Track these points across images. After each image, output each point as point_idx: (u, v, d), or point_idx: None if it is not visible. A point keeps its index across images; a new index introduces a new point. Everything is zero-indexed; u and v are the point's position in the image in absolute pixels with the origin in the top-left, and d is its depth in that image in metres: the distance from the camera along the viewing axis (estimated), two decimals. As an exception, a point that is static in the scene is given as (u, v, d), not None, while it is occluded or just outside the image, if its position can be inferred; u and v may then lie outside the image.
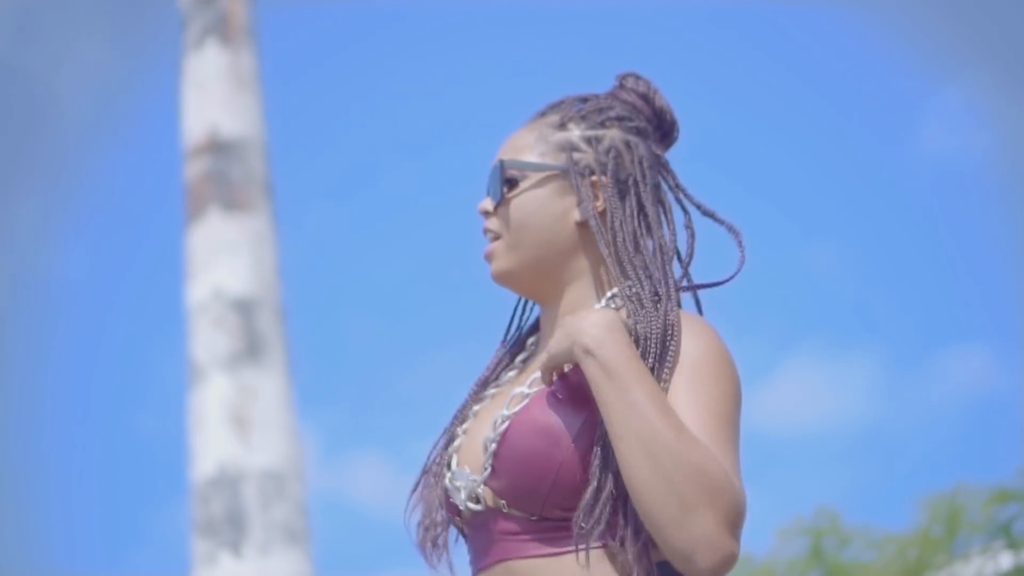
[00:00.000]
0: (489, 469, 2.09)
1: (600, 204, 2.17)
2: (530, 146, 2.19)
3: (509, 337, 2.28)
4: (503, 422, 2.10)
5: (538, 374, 2.14)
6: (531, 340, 2.27)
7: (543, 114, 2.24)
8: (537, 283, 2.19)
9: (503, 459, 2.08)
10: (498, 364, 2.26)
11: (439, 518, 2.19)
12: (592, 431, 2.04)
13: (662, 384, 2.05)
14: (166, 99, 12.58)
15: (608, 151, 2.18)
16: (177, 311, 11.26)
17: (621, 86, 2.25)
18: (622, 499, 2.04)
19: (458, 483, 2.14)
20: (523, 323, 2.29)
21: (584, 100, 2.23)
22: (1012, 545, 9.90)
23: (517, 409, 2.11)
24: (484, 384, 2.25)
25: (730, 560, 1.96)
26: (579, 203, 2.16)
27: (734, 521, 1.97)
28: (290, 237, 11.99)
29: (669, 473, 1.95)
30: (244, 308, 10.98)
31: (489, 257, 2.20)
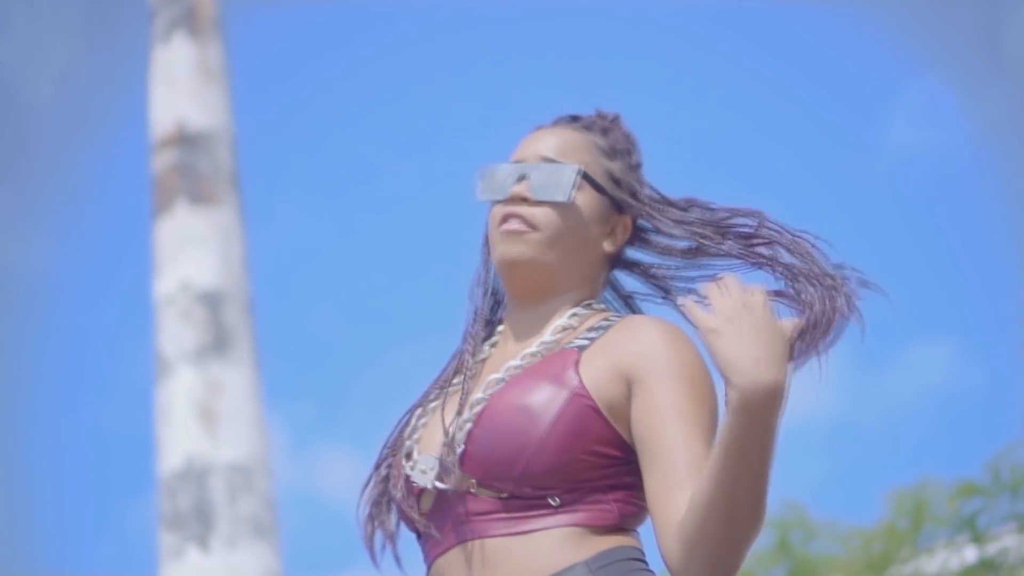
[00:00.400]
0: (463, 447, 2.10)
1: (618, 243, 2.28)
2: (587, 163, 2.25)
3: (472, 331, 2.29)
4: (479, 403, 2.13)
5: (513, 361, 2.15)
6: (489, 343, 2.27)
7: (587, 127, 2.30)
8: (541, 283, 2.22)
9: (478, 437, 2.10)
10: (456, 363, 2.28)
11: (387, 511, 2.20)
12: (569, 412, 2.07)
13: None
14: (133, 91, 12.54)
15: (635, 196, 2.28)
16: (144, 304, 11.24)
17: (617, 121, 2.33)
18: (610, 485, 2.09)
19: (424, 467, 2.14)
20: (493, 317, 2.30)
21: (621, 133, 2.31)
22: (977, 539, 9.96)
23: (494, 390, 2.13)
24: (443, 383, 2.26)
25: None
26: (609, 234, 2.27)
27: None
28: (258, 230, 11.97)
29: (734, 540, 1.99)
30: (211, 301, 10.97)
31: (515, 238, 2.20)
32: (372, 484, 2.20)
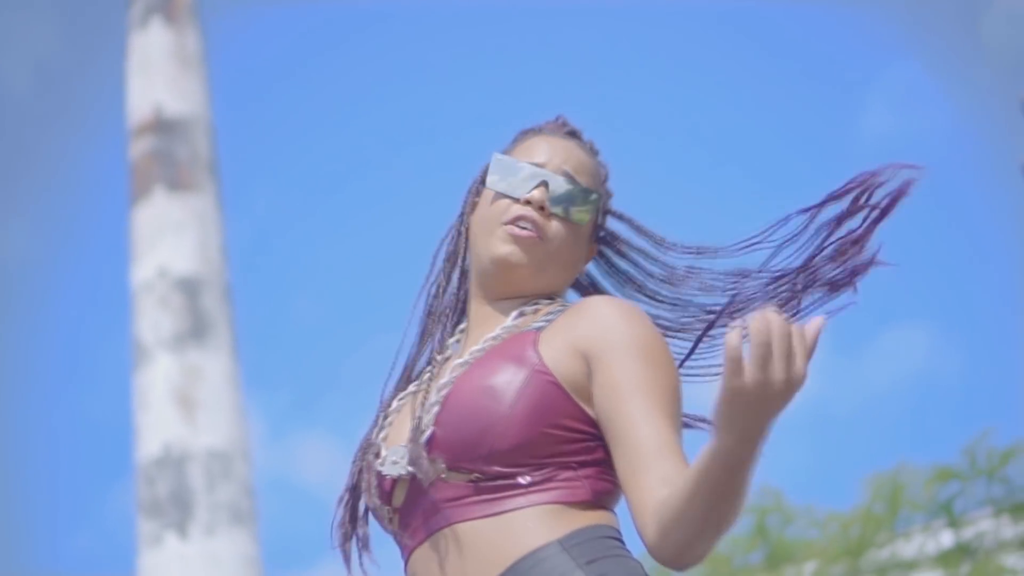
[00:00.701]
0: (431, 430, 2.11)
1: (587, 262, 2.34)
2: (593, 186, 2.30)
3: (440, 309, 2.31)
4: (445, 387, 2.14)
5: (475, 346, 2.18)
6: (453, 340, 2.29)
7: (592, 151, 2.34)
8: (524, 288, 2.25)
9: (445, 420, 2.11)
10: (417, 362, 2.29)
11: (362, 517, 2.21)
12: (531, 389, 2.09)
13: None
14: (110, 78, 12.51)
15: (613, 231, 2.35)
16: (122, 291, 11.22)
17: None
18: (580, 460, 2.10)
19: (393, 458, 2.15)
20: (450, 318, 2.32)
21: (602, 161, 2.36)
22: (953, 523, 10.00)
23: (459, 373, 2.15)
24: (406, 381, 2.28)
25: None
26: (587, 258, 2.33)
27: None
28: (236, 217, 11.97)
29: (712, 529, 2.00)
30: (189, 288, 10.95)
31: (523, 243, 2.22)
32: (345, 491, 2.22)
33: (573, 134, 2.34)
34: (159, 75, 11.77)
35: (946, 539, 10.02)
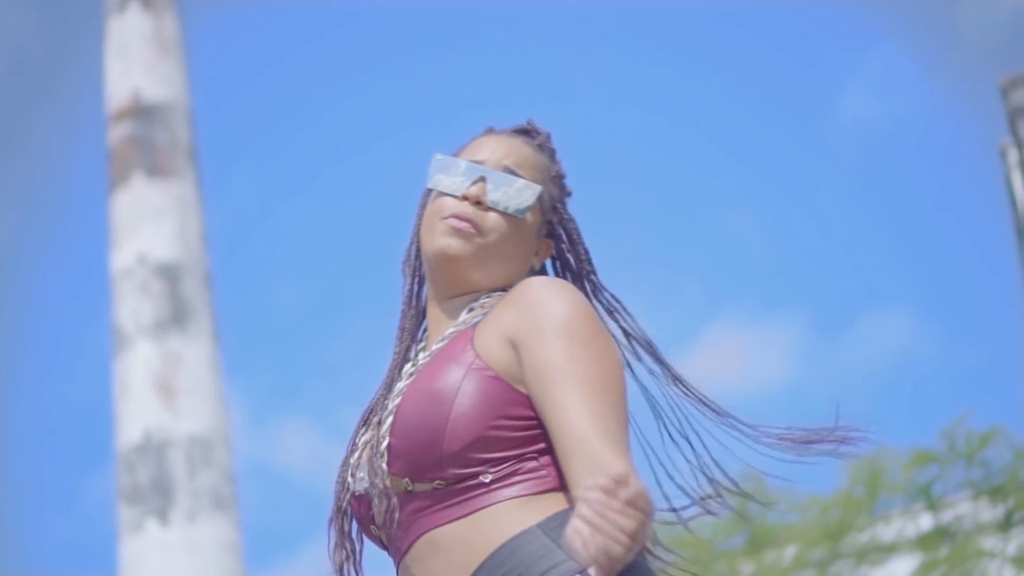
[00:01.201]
0: (386, 441, 2.13)
1: (541, 260, 2.32)
2: (539, 181, 2.30)
3: (401, 325, 2.31)
4: (396, 398, 2.16)
5: (423, 354, 2.20)
6: (420, 346, 2.29)
7: (540, 147, 2.33)
8: (469, 282, 2.25)
9: (397, 430, 2.13)
10: (394, 374, 2.28)
11: (350, 536, 2.22)
12: (470, 386, 2.09)
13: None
14: (88, 63, 12.46)
15: (563, 223, 2.33)
16: (101, 277, 11.19)
17: (551, 141, 2.36)
18: (535, 452, 2.10)
19: (360, 474, 2.18)
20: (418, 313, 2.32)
21: (559, 158, 2.35)
22: (932, 506, 10.05)
23: (407, 384, 2.17)
24: (384, 394, 2.27)
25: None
26: (536, 252, 2.31)
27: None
28: (216, 203, 11.94)
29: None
30: (169, 274, 10.93)
31: (459, 235, 2.22)
32: (333, 513, 2.23)
33: (523, 132, 2.34)
34: (137, 60, 11.73)
35: (925, 522, 10.07)
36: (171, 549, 10.08)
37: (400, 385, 2.18)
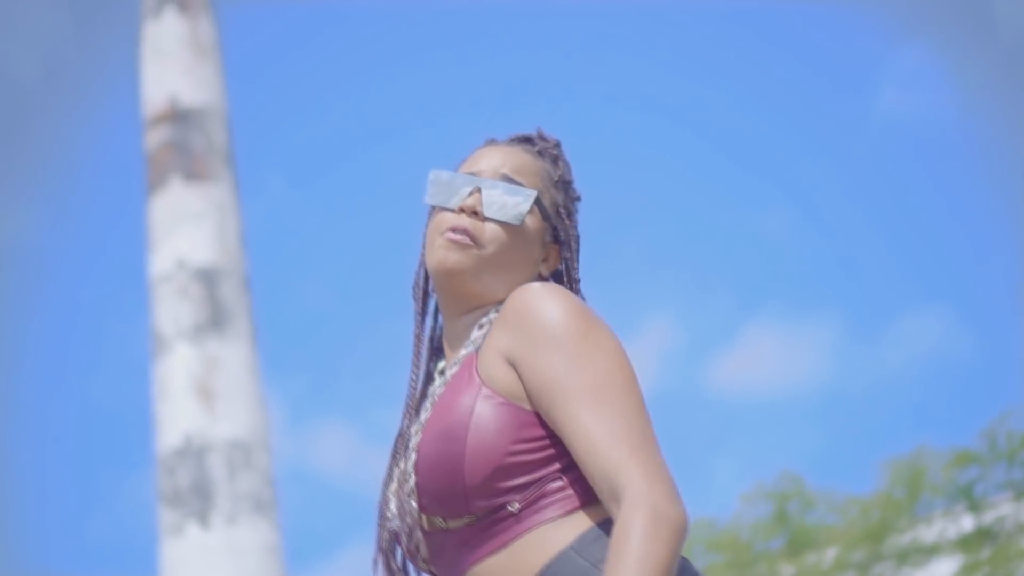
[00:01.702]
0: (412, 480, 2.13)
1: (551, 268, 2.28)
2: (538, 188, 2.26)
3: (422, 353, 2.28)
4: (416, 435, 2.15)
5: (439, 381, 2.18)
6: (438, 369, 2.27)
7: (540, 153, 2.30)
8: (473, 295, 2.22)
9: (421, 467, 2.12)
10: (418, 387, 2.27)
11: (401, 566, 2.21)
12: (479, 418, 2.07)
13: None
14: (124, 68, 12.50)
15: (572, 229, 2.30)
16: (140, 282, 11.23)
17: (560, 149, 2.34)
18: (558, 477, 2.08)
19: (393, 511, 2.17)
20: (434, 332, 2.30)
21: (565, 162, 2.32)
22: (973, 507, 10.00)
23: (426, 417, 2.15)
24: (416, 411, 2.25)
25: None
26: (544, 259, 2.27)
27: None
28: (251, 206, 11.97)
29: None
30: (208, 278, 10.95)
31: (457, 248, 2.20)
32: (376, 551, 2.22)
33: (523, 139, 2.32)
34: (174, 64, 11.76)
35: (967, 523, 10.02)
36: (212, 552, 10.11)
37: (422, 418, 2.16)
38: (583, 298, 2.28)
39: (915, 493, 9.93)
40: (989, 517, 9.88)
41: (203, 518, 10.21)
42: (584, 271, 2.32)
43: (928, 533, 10.01)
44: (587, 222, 2.34)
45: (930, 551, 9.99)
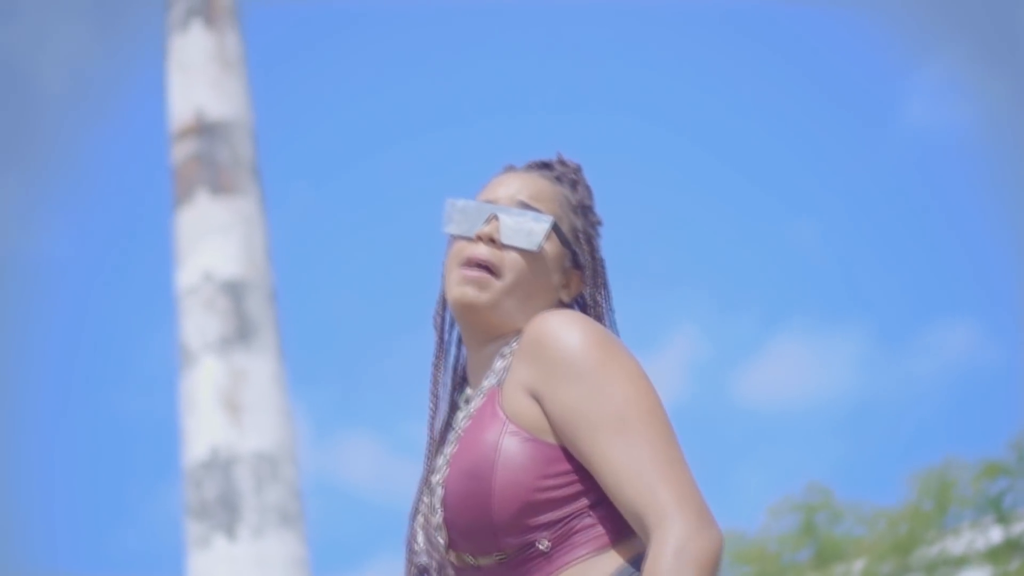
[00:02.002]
0: (440, 515, 2.11)
1: (572, 294, 2.26)
2: (556, 214, 2.24)
3: (443, 382, 2.27)
4: (442, 470, 2.14)
5: (463, 419, 2.16)
6: (463, 398, 2.25)
7: (558, 178, 2.29)
8: (494, 326, 2.20)
9: (449, 502, 2.11)
10: (443, 415, 2.25)
11: None
12: (505, 455, 2.05)
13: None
14: (151, 81, 12.55)
15: (593, 255, 2.27)
16: (167, 294, 11.26)
17: (581, 173, 2.32)
18: (587, 513, 2.06)
19: (420, 547, 2.16)
20: (457, 361, 2.28)
21: (585, 187, 2.30)
22: (1002, 519, 9.96)
23: (452, 451, 2.14)
24: (441, 441, 2.24)
25: None
26: (565, 285, 2.25)
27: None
28: (277, 218, 11.99)
29: None
30: (234, 290, 10.98)
31: (477, 286, 2.18)
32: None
33: (541, 165, 2.30)
34: (200, 78, 11.79)
35: (995, 535, 9.98)
36: (239, 564, 10.12)
37: (448, 451, 2.14)
38: (614, 323, 2.26)
39: (943, 505, 9.90)
40: (1018, 528, 9.84)
41: (230, 530, 10.22)
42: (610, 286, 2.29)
43: (956, 545, 9.97)
44: (612, 236, 2.32)
45: (958, 563, 9.95)
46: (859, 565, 9.98)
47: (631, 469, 1.99)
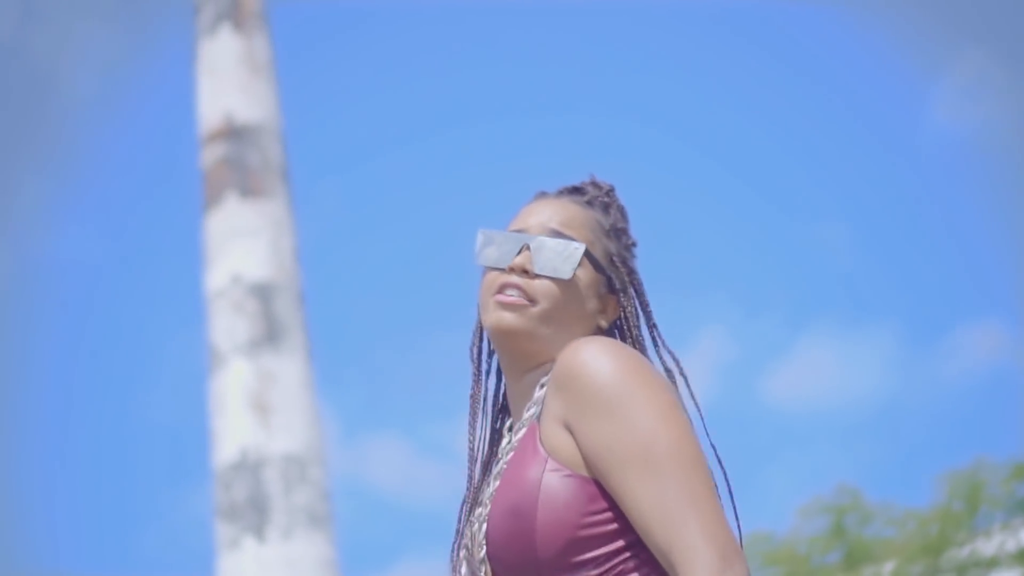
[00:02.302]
0: (484, 551, 2.12)
1: (610, 319, 2.25)
2: (589, 239, 2.24)
3: (484, 406, 2.27)
4: (485, 505, 2.14)
5: (505, 451, 2.16)
6: (507, 426, 2.25)
7: (590, 203, 2.28)
8: (532, 353, 2.20)
9: (492, 538, 2.11)
10: (483, 444, 2.25)
11: None
12: (547, 494, 2.05)
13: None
14: (181, 85, 12.59)
15: (630, 276, 2.27)
16: (196, 297, 11.29)
17: (614, 195, 2.31)
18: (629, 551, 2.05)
19: None
20: (498, 391, 2.28)
21: (618, 208, 2.29)
22: (1033, 520, 9.90)
23: (494, 488, 2.14)
24: (484, 468, 2.24)
25: None
26: (602, 311, 2.24)
27: None
28: (305, 221, 12.02)
29: None
30: (263, 293, 11.00)
31: (511, 309, 2.18)
32: None
33: (573, 190, 2.30)
34: (229, 82, 11.83)
35: (1026, 537, 9.93)
36: (268, 566, 10.14)
37: (492, 487, 2.14)
38: (660, 343, 2.25)
39: (974, 506, 9.86)
40: (1049, 530, 9.80)
41: (259, 532, 10.24)
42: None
43: (987, 547, 9.93)
44: (640, 240, 2.29)
45: (989, 565, 9.91)
46: (889, 567, 9.95)
47: (657, 508, 1.99)
